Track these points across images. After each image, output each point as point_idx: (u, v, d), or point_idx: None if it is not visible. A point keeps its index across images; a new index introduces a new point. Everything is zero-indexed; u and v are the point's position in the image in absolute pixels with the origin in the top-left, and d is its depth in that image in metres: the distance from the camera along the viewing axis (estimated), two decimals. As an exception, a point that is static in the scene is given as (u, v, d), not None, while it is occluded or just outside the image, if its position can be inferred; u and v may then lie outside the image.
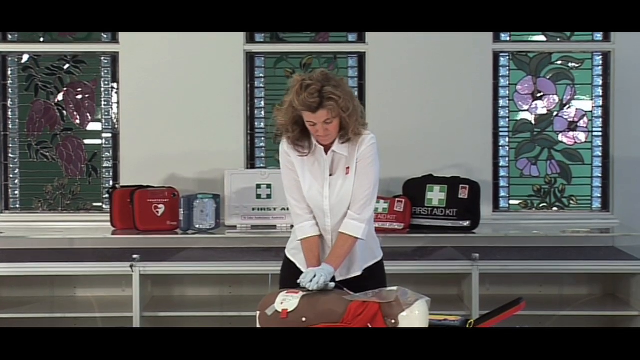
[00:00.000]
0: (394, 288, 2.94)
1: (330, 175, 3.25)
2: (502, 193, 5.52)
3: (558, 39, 5.53)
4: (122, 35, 5.39)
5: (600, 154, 5.50)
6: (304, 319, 2.87)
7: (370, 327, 2.82)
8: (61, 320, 4.92)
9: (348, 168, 3.23)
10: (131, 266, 4.72)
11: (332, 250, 3.22)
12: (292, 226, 3.39)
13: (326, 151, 3.24)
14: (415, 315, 2.81)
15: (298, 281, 3.02)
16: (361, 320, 2.82)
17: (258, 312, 2.98)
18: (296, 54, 5.53)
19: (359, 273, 3.34)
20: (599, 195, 5.51)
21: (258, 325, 2.98)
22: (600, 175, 5.50)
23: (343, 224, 3.23)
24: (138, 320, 4.74)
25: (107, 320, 4.96)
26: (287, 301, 2.93)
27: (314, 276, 2.99)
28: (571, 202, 5.56)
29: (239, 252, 5.09)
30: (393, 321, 2.81)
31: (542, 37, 5.54)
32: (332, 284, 3.06)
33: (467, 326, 2.94)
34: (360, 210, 3.22)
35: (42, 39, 5.52)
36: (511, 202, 5.55)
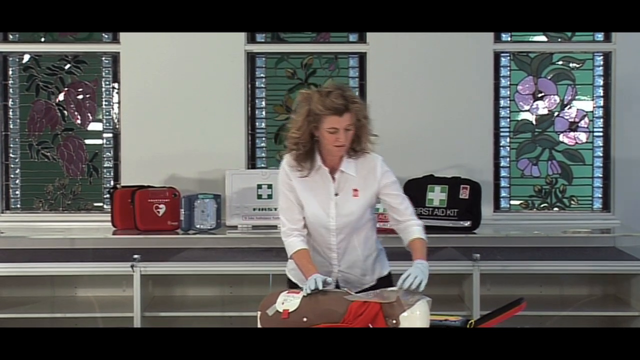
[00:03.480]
0: (395, 288, 2.95)
1: (336, 195, 3.25)
2: (503, 193, 5.52)
3: (559, 40, 5.53)
4: (123, 36, 5.39)
5: (601, 154, 5.50)
6: (305, 319, 2.87)
7: (371, 327, 2.83)
8: (62, 320, 4.91)
9: (356, 190, 3.25)
10: (132, 266, 4.72)
11: (414, 252, 3.21)
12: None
13: (332, 172, 3.25)
14: (416, 316, 2.81)
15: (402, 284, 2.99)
16: (362, 320, 2.82)
17: (259, 312, 2.98)
18: (297, 54, 5.53)
19: (374, 283, 3.35)
20: (600, 195, 5.51)
21: (259, 326, 2.98)
22: (601, 175, 5.50)
23: (411, 230, 3.26)
24: (139, 320, 4.74)
25: (107, 320, 4.96)
26: (288, 301, 2.93)
27: (416, 277, 2.97)
28: (572, 202, 5.56)
29: (239, 252, 5.09)
30: (394, 321, 2.81)
31: (543, 38, 5.54)
32: (330, 280, 3.06)
33: (468, 326, 2.94)
34: (414, 217, 3.31)
35: (43, 39, 5.52)
36: (512, 202, 5.55)
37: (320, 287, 2.96)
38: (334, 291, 3.01)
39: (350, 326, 2.82)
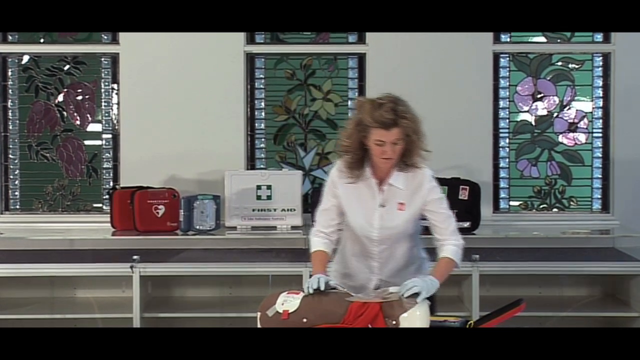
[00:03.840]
0: (396, 289, 2.94)
1: (382, 206, 3.21)
2: (502, 194, 5.52)
3: (558, 40, 5.53)
4: (122, 36, 5.39)
5: (600, 155, 5.50)
6: (305, 320, 2.87)
7: (370, 327, 2.82)
8: (61, 321, 4.91)
9: (402, 204, 3.20)
10: (131, 267, 4.72)
11: (435, 268, 3.18)
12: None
13: (380, 184, 3.21)
14: (416, 316, 2.81)
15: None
16: (362, 320, 2.82)
17: (259, 313, 2.97)
18: (296, 55, 5.53)
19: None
20: (599, 196, 5.51)
21: (259, 326, 2.98)
22: (600, 176, 5.50)
23: (443, 249, 3.21)
24: (138, 321, 4.74)
25: (107, 321, 4.96)
26: (288, 302, 2.93)
27: (415, 286, 2.93)
28: (571, 203, 5.56)
29: (239, 253, 5.09)
30: (394, 322, 2.81)
31: (542, 39, 5.54)
32: (333, 282, 3.05)
33: (467, 327, 2.94)
34: (456, 237, 3.24)
35: (42, 40, 5.52)
36: (511, 203, 5.55)
37: (322, 288, 2.96)
38: (334, 292, 3.01)
39: (350, 326, 2.82)
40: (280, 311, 2.91)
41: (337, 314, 2.86)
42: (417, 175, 3.22)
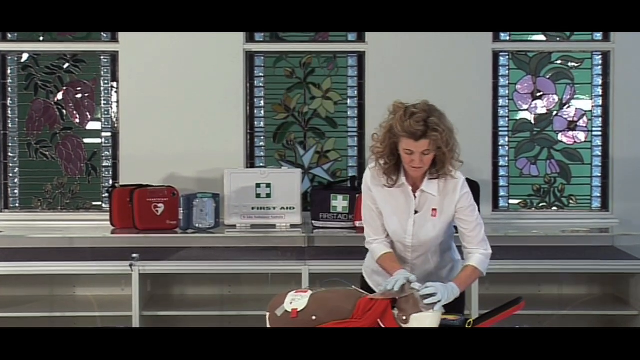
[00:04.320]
0: (419, 286, 2.93)
1: (416, 212, 3.20)
2: (502, 192, 5.52)
3: (558, 39, 5.53)
4: (121, 35, 5.39)
5: (599, 154, 5.50)
6: (314, 317, 2.86)
7: (380, 322, 2.82)
8: (60, 320, 4.92)
9: (435, 210, 3.18)
10: (130, 265, 4.72)
11: (459, 276, 3.18)
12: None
13: (414, 190, 3.18)
14: (426, 321, 2.81)
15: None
16: (371, 315, 2.81)
17: (268, 313, 2.97)
18: (296, 54, 5.53)
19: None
20: (599, 194, 5.52)
21: (268, 326, 2.98)
22: (599, 174, 5.50)
23: (469, 258, 3.20)
24: (137, 319, 4.74)
25: (106, 319, 4.96)
26: (296, 301, 2.92)
27: (436, 294, 2.88)
28: (570, 201, 5.56)
29: (238, 252, 5.09)
30: (404, 317, 2.80)
31: (541, 37, 5.54)
32: (414, 277, 2.99)
33: (467, 325, 2.94)
34: (485, 246, 3.24)
35: (41, 38, 5.51)
36: (511, 201, 5.55)
37: (412, 280, 2.91)
38: (342, 288, 3.01)
39: (359, 322, 2.81)
40: (289, 310, 2.89)
41: (345, 310, 2.85)
42: (450, 181, 3.18)
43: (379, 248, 3.26)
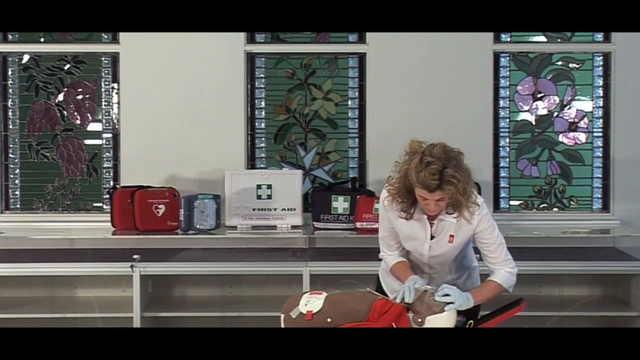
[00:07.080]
0: (433, 288, 2.94)
1: (432, 238, 3.19)
2: (503, 193, 5.52)
3: (558, 40, 5.53)
4: (122, 36, 5.39)
5: (600, 155, 5.50)
6: (329, 320, 2.86)
7: (395, 325, 2.82)
8: (61, 321, 4.91)
9: (452, 236, 3.16)
10: (131, 266, 4.72)
11: (478, 288, 3.17)
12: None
13: (431, 218, 3.16)
14: (442, 322, 2.81)
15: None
16: (387, 318, 2.81)
17: (282, 315, 2.96)
18: (297, 55, 5.53)
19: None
20: (600, 195, 5.51)
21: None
22: (600, 175, 5.50)
23: (496, 273, 3.16)
24: (138, 320, 4.74)
25: (107, 320, 4.96)
26: (311, 302, 2.91)
27: (450, 295, 2.93)
28: (571, 202, 5.56)
29: (239, 253, 5.09)
30: (419, 320, 2.81)
31: (542, 38, 5.54)
32: (421, 282, 3.04)
33: (468, 326, 2.94)
34: (510, 264, 3.19)
35: (42, 39, 5.51)
36: (511, 202, 5.55)
37: (425, 286, 2.97)
38: (357, 291, 3.01)
39: (375, 324, 2.81)
40: (304, 312, 2.89)
41: (361, 312, 2.85)
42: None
43: (392, 258, 3.29)
